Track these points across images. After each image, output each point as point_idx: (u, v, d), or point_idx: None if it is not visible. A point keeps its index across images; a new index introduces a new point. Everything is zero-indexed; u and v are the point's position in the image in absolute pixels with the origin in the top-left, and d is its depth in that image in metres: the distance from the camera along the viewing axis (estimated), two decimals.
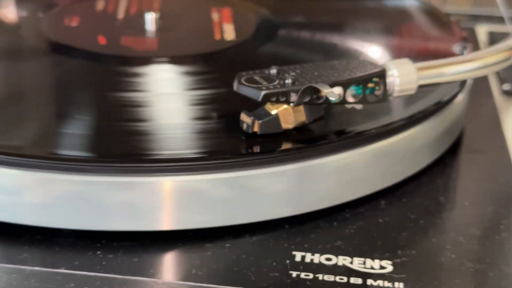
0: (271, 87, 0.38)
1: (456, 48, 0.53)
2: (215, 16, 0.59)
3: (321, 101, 0.38)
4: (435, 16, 0.61)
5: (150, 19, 0.56)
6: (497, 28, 0.65)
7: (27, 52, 0.55)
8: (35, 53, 0.54)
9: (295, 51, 0.54)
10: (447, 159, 0.48)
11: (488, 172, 0.48)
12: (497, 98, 0.56)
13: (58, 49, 0.53)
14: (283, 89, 0.37)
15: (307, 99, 0.38)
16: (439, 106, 0.46)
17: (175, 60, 0.52)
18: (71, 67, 0.52)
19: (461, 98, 0.49)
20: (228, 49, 0.54)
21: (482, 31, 0.68)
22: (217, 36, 0.55)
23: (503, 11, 0.59)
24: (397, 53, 0.54)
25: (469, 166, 0.49)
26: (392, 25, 0.60)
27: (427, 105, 0.45)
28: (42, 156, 0.39)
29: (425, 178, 0.46)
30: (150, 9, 0.59)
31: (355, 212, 0.42)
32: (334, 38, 0.56)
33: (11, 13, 0.61)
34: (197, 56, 0.53)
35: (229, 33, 0.55)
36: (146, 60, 0.51)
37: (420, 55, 0.53)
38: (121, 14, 0.59)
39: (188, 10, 0.61)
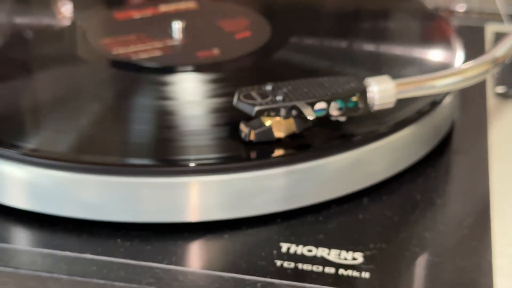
0: (264, 103, 0.42)
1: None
2: (229, 23, 0.60)
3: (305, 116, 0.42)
4: (428, 14, 0.62)
5: (178, 28, 0.57)
6: (504, 28, 0.66)
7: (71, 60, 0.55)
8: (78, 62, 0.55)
9: (305, 57, 0.55)
10: (431, 159, 0.50)
11: (466, 173, 0.49)
12: (489, 100, 0.56)
13: (97, 58, 0.55)
14: (273, 106, 0.42)
15: (294, 114, 0.42)
16: (421, 114, 0.47)
17: (200, 68, 0.53)
18: (107, 76, 0.54)
19: (447, 102, 0.50)
20: (248, 55, 0.55)
21: (489, 30, 0.67)
22: (238, 40, 0.57)
23: (501, 9, 0.60)
24: (383, 58, 0.56)
25: (450, 167, 0.50)
26: (386, 27, 0.61)
27: (410, 113, 0.47)
28: (92, 161, 0.42)
29: (408, 177, 0.48)
30: (175, 19, 0.58)
31: (340, 209, 0.45)
32: (338, 44, 0.57)
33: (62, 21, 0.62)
34: (220, 63, 0.54)
35: (247, 38, 0.57)
36: (173, 69, 0.53)
37: (409, 55, 0.56)
38: (150, 23, 0.60)
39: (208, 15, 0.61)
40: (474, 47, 0.64)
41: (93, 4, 0.64)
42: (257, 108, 0.42)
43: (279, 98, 0.42)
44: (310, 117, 0.41)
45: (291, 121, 0.43)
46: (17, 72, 0.54)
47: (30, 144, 0.44)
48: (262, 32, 0.58)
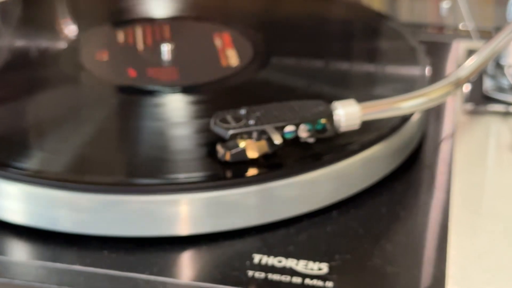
0: (237, 127, 0.44)
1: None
2: (218, 43, 0.61)
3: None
4: (399, 34, 0.62)
5: (166, 51, 0.58)
6: (475, 45, 0.65)
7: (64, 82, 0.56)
8: (72, 85, 0.56)
9: (284, 77, 0.56)
10: (399, 173, 0.51)
11: (430, 187, 0.50)
12: (459, 117, 0.57)
13: (92, 81, 0.56)
14: (245, 129, 0.44)
15: (264, 137, 0.44)
16: (384, 134, 0.49)
17: (189, 88, 0.54)
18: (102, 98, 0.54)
19: (415, 120, 0.52)
20: (232, 75, 0.56)
21: (462, 47, 0.68)
22: (223, 63, 0.57)
23: (470, 27, 0.61)
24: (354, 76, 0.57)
25: (416, 181, 0.51)
26: (359, 48, 0.61)
27: (378, 131, 0.48)
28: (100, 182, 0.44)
29: (376, 191, 0.49)
30: (164, 40, 0.60)
31: (310, 222, 0.46)
32: (315, 64, 0.58)
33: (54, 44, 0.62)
34: (208, 84, 0.55)
35: (232, 59, 0.58)
36: (168, 90, 0.54)
37: (380, 74, 0.57)
38: (140, 46, 0.60)
39: (195, 38, 0.62)
40: (445, 63, 0.66)
41: (93, 25, 0.65)
42: (230, 132, 0.44)
43: (251, 122, 0.44)
44: (277, 141, 0.44)
45: (263, 142, 0.45)
46: (18, 93, 0.54)
47: (25, 164, 0.45)
48: (245, 53, 0.59)
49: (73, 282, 0.41)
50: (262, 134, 0.45)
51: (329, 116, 0.46)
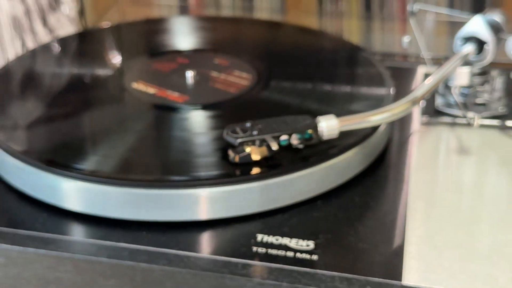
0: (244, 136, 0.45)
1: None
2: (229, 70, 0.61)
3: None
4: (370, 62, 0.62)
5: (190, 76, 0.59)
6: (430, 70, 0.62)
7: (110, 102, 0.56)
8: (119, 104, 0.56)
9: (282, 96, 0.56)
10: (369, 171, 0.50)
11: (393, 182, 0.50)
12: (416, 126, 0.57)
13: (133, 100, 0.56)
14: (250, 138, 0.45)
15: (265, 144, 0.45)
16: (358, 141, 0.49)
17: (208, 106, 0.54)
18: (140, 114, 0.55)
19: (381, 129, 0.52)
20: (241, 95, 0.56)
21: (420, 71, 0.68)
22: (234, 85, 0.58)
23: (425, 56, 0.60)
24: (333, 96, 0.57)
25: (382, 177, 0.50)
26: (340, 73, 0.61)
27: (353, 138, 0.49)
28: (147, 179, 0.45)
29: (351, 185, 0.49)
30: (188, 68, 0.60)
31: (300, 209, 0.46)
32: (305, 86, 0.58)
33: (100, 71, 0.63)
34: (222, 102, 0.55)
35: (240, 82, 0.58)
36: (191, 107, 0.54)
37: (356, 94, 0.57)
38: (169, 72, 0.61)
39: (212, 66, 0.62)
40: (408, 84, 0.65)
41: (134, 56, 0.65)
42: (239, 140, 0.45)
43: (255, 132, 0.45)
44: (274, 148, 0.45)
45: (264, 148, 0.46)
46: (76, 110, 0.54)
47: (83, 166, 0.46)
48: (252, 78, 0.59)
49: (119, 256, 0.42)
50: (263, 142, 0.45)
51: (315, 127, 0.46)
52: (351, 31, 0.87)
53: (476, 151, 0.54)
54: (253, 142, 0.45)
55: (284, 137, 0.46)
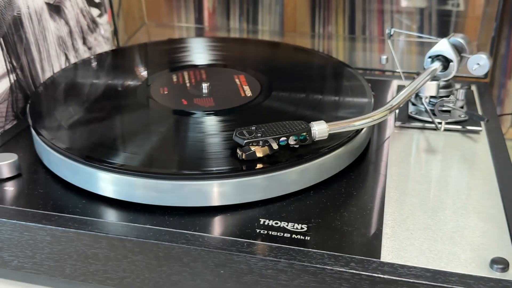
0: (250, 138, 0.44)
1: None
2: (238, 82, 0.60)
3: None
4: (354, 76, 0.61)
5: (205, 87, 0.59)
6: (404, 82, 0.64)
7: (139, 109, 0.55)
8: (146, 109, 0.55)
9: (281, 104, 0.56)
10: (353, 166, 0.50)
11: (373, 175, 0.50)
12: (392, 130, 0.57)
13: (157, 107, 0.55)
14: (255, 139, 0.44)
15: (267, 144, 0.45)
16: (344, 142, 0.49)
17: (219, 112, 0.54)
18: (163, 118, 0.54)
19: (364, 132, 0.51)
20: (247, 103, 0.56)
21: (395, 84, 0.68)
22: (241, 95, 0.57)
23: (399, 68, 0.60)
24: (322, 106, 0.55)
25: (363, 171, 0.50)
26: (330, 85, 0.60)
27: (339, 141, 0.48)
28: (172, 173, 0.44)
29: (338, 178, 0.49)
30: (203, 81, 0.60)
31: (296, 198, 0.46)
32: (300, 96, 0.57)
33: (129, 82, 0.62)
34: (231, 109, 0.54)
35: (247, 93, 0.58)
36: (205, 113, 0.54)
37: (343, 102, 0.56)
38: (188, 84, 0.60)
39: (223, 79, 0.62)
40: (385, 94, 0.66)
41: (158, 70, 0.64)
42: (245, 141, 0.44)
43: (259, 134, 0.45)
44: (275, 147, 0.45)
45: (266, 147, 0.46)
46: (110, 115, 0.54)
47: (115, 160, 0.46)
48: (255, 88, 0.59)
49: (145, 236, 0.42)
50: (266, 142, 0.45)
51: (308, 131, 0.46)
52: (338, 50, 0.87)
53: (441, 150, 0.54)
54: (257, 143, 0.45)
55: (283, 139, 0.46)
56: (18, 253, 0.45)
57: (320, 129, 0.46)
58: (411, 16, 0.82)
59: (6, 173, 0.49)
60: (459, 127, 0.57)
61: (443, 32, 0.81)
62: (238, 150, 0.46)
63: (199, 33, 0.92)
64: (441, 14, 0.81)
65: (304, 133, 0.46)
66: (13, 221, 0.44)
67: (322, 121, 0.47)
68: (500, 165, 0.51)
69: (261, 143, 0.45)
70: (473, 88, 0.67)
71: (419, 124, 0.58)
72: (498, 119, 0.60)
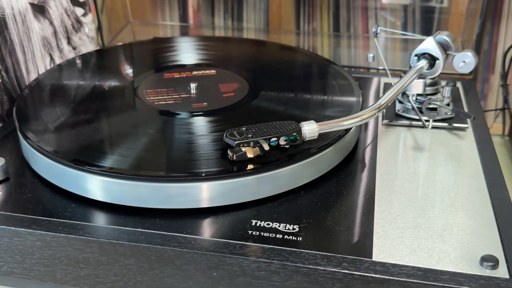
0: (240, 139, 0.44)
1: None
2: (225, 81, 0.60)
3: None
4: (342, 75, 0.61)
5: (194, 87, 0.58)
6: (390, 80, 0.62)
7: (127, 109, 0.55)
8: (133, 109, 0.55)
9: (269, 104, 0.55)
10: (342, 165, 0.50)
11: (362, 174, 0.49)
12: (379, 128, 0.57)
13: (144, 107, 0.54)
14: (246, 141, 0.44)
15: (258, 145, 0.45)
16: (333, 141, 0.48)
17: (208, 112, 0.53)
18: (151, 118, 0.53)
19: (352, 131, 0.51)
20: (236, 103, 0.55)
21: (382, 81, 0.68)
22: (229, 95, 0.57)
23: (385, 66, 0.59)
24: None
25: (352, 170, 0.50)
26: (319, 84, 0.60)
27: (329, 140, 0.48)
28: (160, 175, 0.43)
29: (327, 177, 0.48)
30: (191, 80, 0.59)
31: (287, 198, 0.46)
32: (289, 95, 0.57)
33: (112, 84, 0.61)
34: (220, 109, 0.54)
35: (235, 92, 0.57)
36: (194, 113, 0.53)
37: (331, 101, 0.55)
38: (175, 84, 0.60)
39: (211, 78, 0.61)
40: (371, 92, 0.66)
41: (145, 70, 0.63)
42: (236, 142, 0.44)
43: (249, 135, 0.45)
44: (266, 148, 0.45)
45: (257, 148, 0.45)
46: (97, 116, 0.53)
47: (103, 164, 0.45)
48: (244, 88, 0.58)
49: (137, 239, 0.42)
50: (256, 144, 0.45)
51: (299, 131, 0.46)
52: (323, 47, 0.87)
53: (428, 148, 0.54)
54: (248, 144, 0.45)
55: (273, 139, 0.45)
56: (7, 258, 0.44)
57: (310, 129, 0.46)
58: (395, 13, 0.82)
59: None
60: (445, 124, 0.57)
61: (426, 29, 0.82)
62: (228, 151, 0.46)
63: (184, 31, 0.91)
64: (425, 11, 0.82)
65: (294, 133, 0.46)
66: (2, 226, 0.43)
67: (312, 121, 0.47)
68: (487, 162, 0.51)
69: (252, 144, 0.45)
70: (458, 85, 0.67)
71: (406, 122, 0.58)
72: (483, 116, 0.60)
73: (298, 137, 0.46)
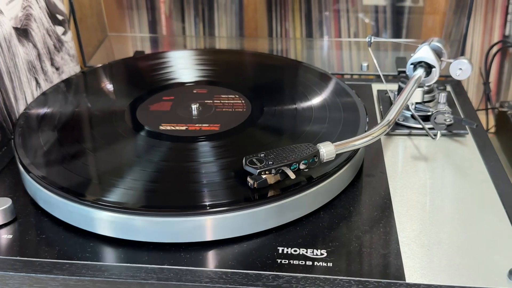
0: (261, 167, 0.43)
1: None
2: (227, 100, 0.59)
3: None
4: (343, 89, 0.60)
5: (195, 108, 0.57)
6: (384, 86, 0.65)
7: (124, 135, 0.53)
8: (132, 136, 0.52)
9: (274, 120, 0.54)
10: (355, 182, 0.50)
11: (375, 189, 0.49)
12: (382, 139, 0.57)
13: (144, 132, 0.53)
14: (266, 168, 0.43)
15: (279, 172, 0.44)
16: (350, 157, 0.48)
17: (217, 136, 0.51)
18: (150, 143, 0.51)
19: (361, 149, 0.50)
20: (241, 124, 0.54)
21: (375, 87, 0.67)
22: (233, 115, 0.55)
23: (380, 73, 0.59)
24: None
25: (365, 185, 0.49)
26: (320, 99, 0.58)
27: (344, 158, 0.47)
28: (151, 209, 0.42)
29: (342, 196, 0.48)
30: (193, 101, 0.57)
31: (308, 221, 0.45)
32: (290, 108, 0.56)
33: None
34: (227, 132, 0.52)
35: (237, 112, 0.56)
36: (200, 138, 0.51)
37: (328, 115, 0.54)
38: (176, 105, 0.58)
39: (210, 97, 0.59)
40: (366, 97, 0.65)
41: (142, 90, 0.60)
42: (258, 171, 0.43)
43: (270, 162, 0.44)
44: (292, 177, 0.44)
45: (277, 175, 0.44)
46: (98, 145, 0.51)
47: (110, 198, 0.43)
48: (246, 106, 0.57)
49: (166, 277, 0.40)
50: (278, 170, 0.44)
51: (317, 153, 0.45)
52: (297, 52, 0.86)
53: (433, 157, 0.54)
54: (270, 171, 0.44)
55: (294, 164, 0.44)
56: None
57: (328, 150, 0.46)
58: (369, 14, 0.82)
59: (1, 220, 0.46)
60: (445, 131, 0.57)
61: (398, 30, 0.81)
62: (249, 179, 0.44)
63: (154, 42, 0.88)
64: (397, 12, 0.82)
65: (313, 157, 0.45)
66: (22, 274, 0.41)
67: (328, 142, 0.46)
68: (493, 169, 0.52)
69: (273, 171, 0.44)
70: (448, 88, 0.68)
71: (406, 131, 0.58)
72: (479, 119, 0.61)
73: (316, 160, 0.45)
